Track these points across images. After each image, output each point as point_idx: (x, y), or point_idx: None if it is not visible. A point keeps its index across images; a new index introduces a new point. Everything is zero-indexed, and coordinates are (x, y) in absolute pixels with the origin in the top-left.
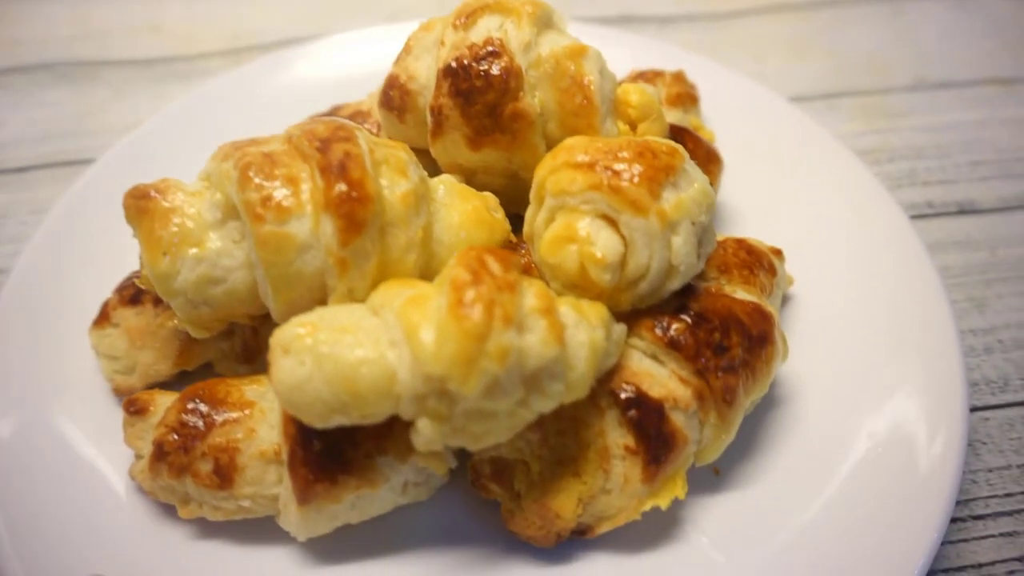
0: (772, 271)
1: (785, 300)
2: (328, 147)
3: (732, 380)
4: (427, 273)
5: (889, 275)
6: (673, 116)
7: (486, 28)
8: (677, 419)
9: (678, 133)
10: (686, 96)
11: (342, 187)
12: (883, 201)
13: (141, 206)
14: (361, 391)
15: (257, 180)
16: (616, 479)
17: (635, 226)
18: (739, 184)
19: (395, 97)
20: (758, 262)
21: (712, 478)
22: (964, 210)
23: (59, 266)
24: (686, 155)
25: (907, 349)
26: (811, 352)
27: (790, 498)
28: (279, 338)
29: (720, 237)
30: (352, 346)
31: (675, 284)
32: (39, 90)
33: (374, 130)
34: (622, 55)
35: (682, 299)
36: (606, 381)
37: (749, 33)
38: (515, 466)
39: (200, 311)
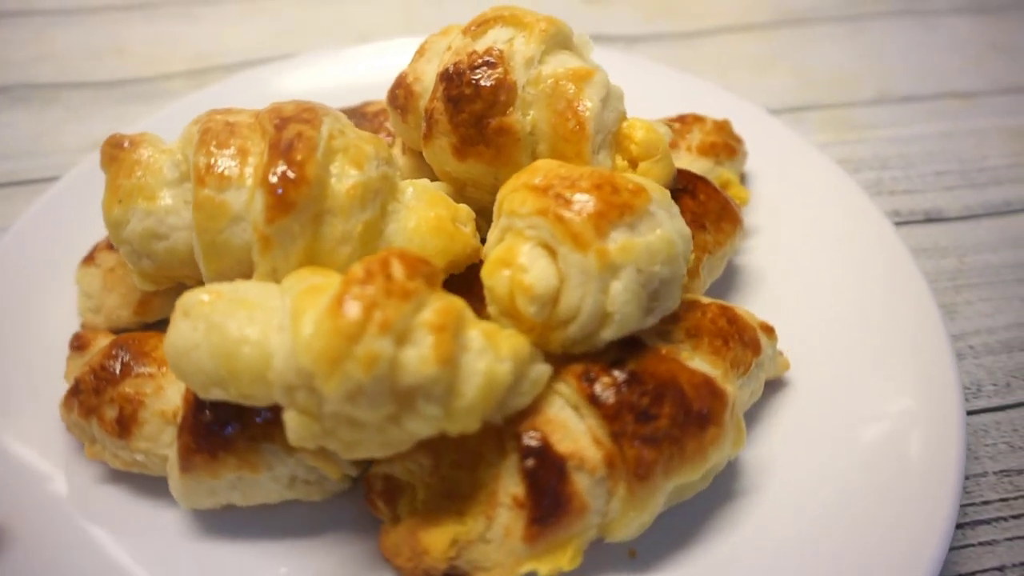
0: (754, 349)
1: (778, 386)
2: (285, 125)
3: (650, 454)
4: None
5: (878, 280)
6: (700, 166)
7: (493, 38)
8: (579, 481)
9: (692, 181)
10: (722, 147)
11: (282, 166)
12: (867, 209)
13: (113, 154)
14: (237, 369)
15: (211, 146)
16: (498, 529)
17: (572, 261)
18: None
19: (400, 96)
20: (738, 335)
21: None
22: (931, 218)
23: (16, 283)
24: (657, 198)
25: (899, 354)
26: (804, 359)
27: (791, 502)
28: (184, 300)
29: (706, 300)
30: (243, 322)
31: (608, 334)
32: None
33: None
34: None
35: (623, 353)
36: (516, 422)
37: (715, 51)
38: (404, 489)
39: (143, 263)
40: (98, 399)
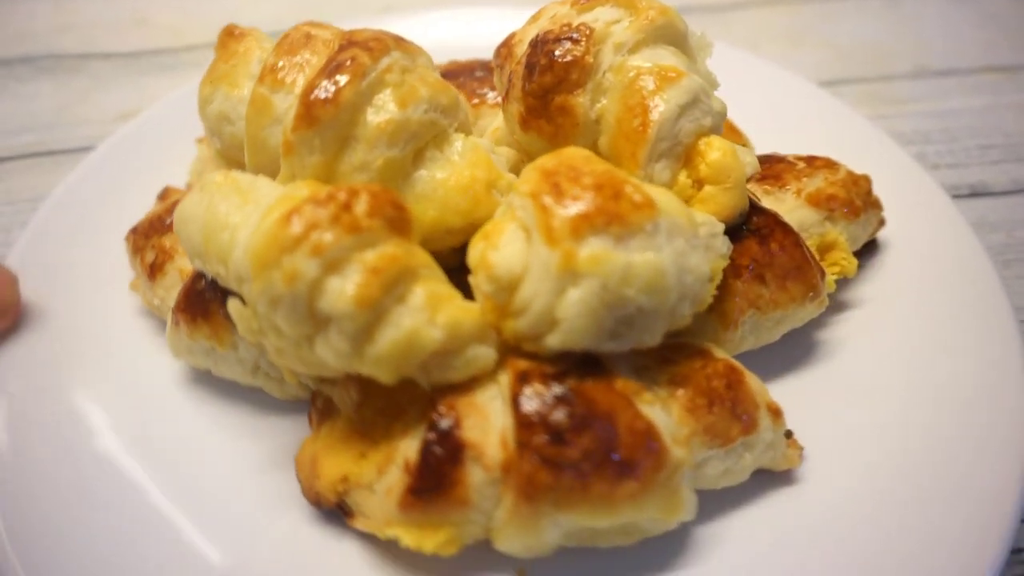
0: (746, 426)
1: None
2: (346, 48)
3: (544, 477)
4: None
5: (927, 242)
6: (802, 216)
7: (596, 15)
8: (472, 473)
9: (771, 227)
10: (842, 202)
11: (323, 83)
12: (921, 179)
13: (223, 40)
14: (211, 249)
15: (283, 51)
16: (383, 484)
17: (539, 253)
18: None
19: (501, 54)
20: (731, 403)
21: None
22: (977, 192)
23: (57, 252)
24: (671, 223)
25: (950, 307)
26: (858, 315)
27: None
28: (209, 176)
29: (720, 355)
30: (232, 209)
31: (554, 340)
32: (17, 83)
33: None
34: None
35: (573, 368)
36: (443, 393)
37: (747, 24)
38: (335, 414)
39: (215, 142)
40: (145, 242)
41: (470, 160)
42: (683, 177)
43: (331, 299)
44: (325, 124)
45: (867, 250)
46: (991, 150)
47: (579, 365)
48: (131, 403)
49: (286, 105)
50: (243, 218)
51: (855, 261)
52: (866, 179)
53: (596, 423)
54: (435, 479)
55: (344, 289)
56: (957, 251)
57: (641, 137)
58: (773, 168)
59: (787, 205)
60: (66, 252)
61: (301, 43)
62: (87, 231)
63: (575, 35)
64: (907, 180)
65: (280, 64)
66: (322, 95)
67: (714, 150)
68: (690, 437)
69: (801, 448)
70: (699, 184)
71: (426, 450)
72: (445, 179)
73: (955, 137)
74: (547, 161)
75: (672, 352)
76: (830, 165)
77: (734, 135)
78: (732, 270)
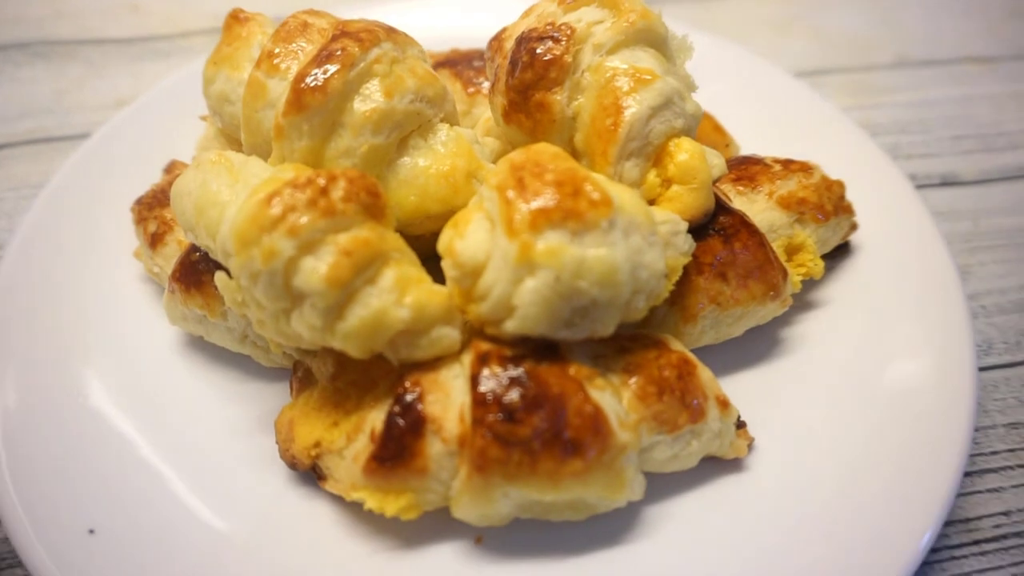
0: (694, 414)
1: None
2: (338, 39)
3: (495, 451)
4: None
5: (894, 239)
6: (771, 218)
7: (580, 15)
8: (431, 445)
9: (736, 227)
10: (812, 206)
11: (313, 71)
12: (888, 171)
13: (228, 23)
14: (202, 223)
15: (280, 38)
16: (352, 450)
17: (499, 244)
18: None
19: (492, 46)
20: (680, 393)
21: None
22: (947, 182)
23: (58, 239)
24: (628, 220)
25: (918, 312)
26: (822, 314)
27: (810, 446)
28: (204, 154)
29: (676, 347)
30: (223, 186)
31: (511, 326)
32: (14, 68)
33: None
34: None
35: (530, 352)
36: (410, 370)
37: (735, 13)
38: (313, 383)
39: (216, 120)
40: (148, 213)
41: (452, 150)
42: (652, 176)
43: (305, 277)
44: (314, 110)
45: (838, 253)
46: (964, 140)
47: (537, 350)
48: (129, 364)
49: (280, 90)
50: (232, 196)
51: (821, 264)
52: (839, 184)
53: (547, 404)
54: (397, 448)
55: (317, 268)
56: (920, 248)
57: (612, 136)
58: (749, 170)
59: (758, 206)
60: (77, 220)
61: (298, 31)
62: (98, 202)
63: (557, 34)
64: (875, 171)
65: (276, 51)
66: (312, 83)
67: (683, 151)
68: (638, 423)
69: (751, 439)
70: (667, 183)
71: (390, 421)
72: (427, 167)
73: (930, 128)
74: (516, 156)
75: (630, 342)
76: (805, 169)
77: (717, 134)
78: (695, 267)
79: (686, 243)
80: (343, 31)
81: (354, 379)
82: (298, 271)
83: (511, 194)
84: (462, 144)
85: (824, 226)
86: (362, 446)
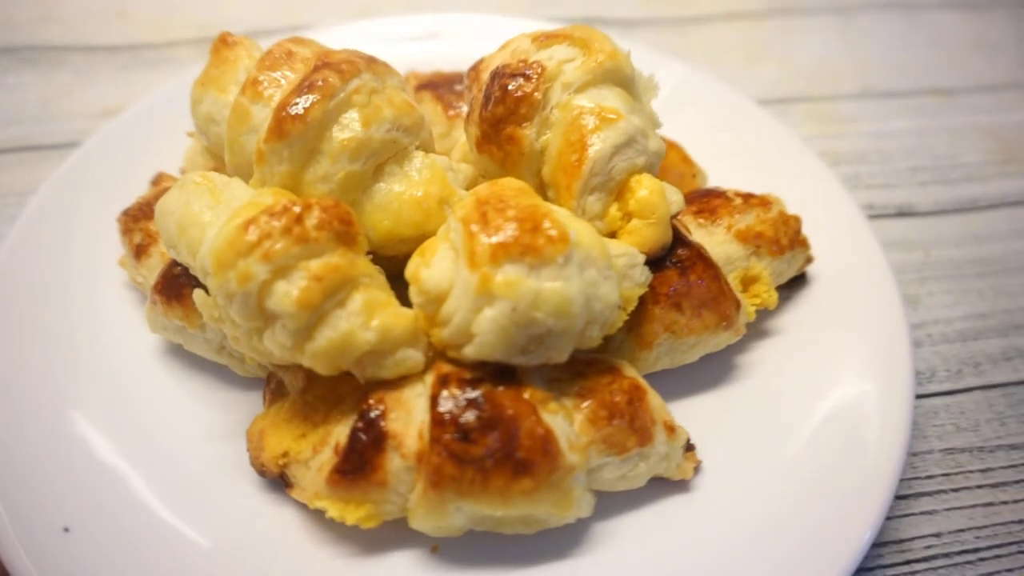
0: (642, 438)
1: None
2: (320, 68)
3: (449, 469)
4: None
5: (846, 270)
6: (728, 251)
7: (551, 53)
8: (391, 460)
9: (693, 260)
10: (768, 240)
11: (295, 101)
12: (844, 202)
13: (217, 47)
14: (183, 241)
15: (265, 66)
16: (317, 462)
17: (461, 274)
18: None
19: (470, 75)
20: (630, 417)
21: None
22: (903, 212)
23: (45, 245)
24: (585, 255)
25: (861, 339)
26: (774, 343)
27: (746, 469)
28: (188, 175)
29: (630, 373)
30: (205, 209)
31: (470, 352)
32: (2, 74)
33: None
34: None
35: (488, 376)
36: (375, 387)
37: (707, 38)
38: (285, 395)
39: (202, 139)
40: (134, 224)
41: (426, 177)
42: (614, 210)
43: (278, 300)
44: (293, 138)
45: (794, 284)
46: (920, 172)
47: (495, 373)
48: (110, 368)
49: (263, 116)
50: (213, 218)
51: (775, 295)
52: (796, 219)
53: (501, 426)
54: (359, 462)
55: (289, 292)
56: (869, 279)
57: (577, 171)
58: (711, 203)
59: (717, 239)
60: (65, 227)
61: (282, 60)
62: (85, 211)
63: (528, 71)
64: (831, 202)
65: (261, 78)
66: (293, 112)
67: (643, 188)
68: (588, 445)
69: (698, 462)
70: (628, 217)
71: (354, 436)
72: (401, 192)
73: (888, 158)
74: (482, 190)
75: (585, 367)
76: (764, 204)
77: (685, 164)
78: (652, 297)
79: (642, 275)
80: (325, 62)
81: (323, 394)
82: (271, 294)
83: (475, 227)
84: (436, 172)
85: (779, 259)
86: (327, 458)
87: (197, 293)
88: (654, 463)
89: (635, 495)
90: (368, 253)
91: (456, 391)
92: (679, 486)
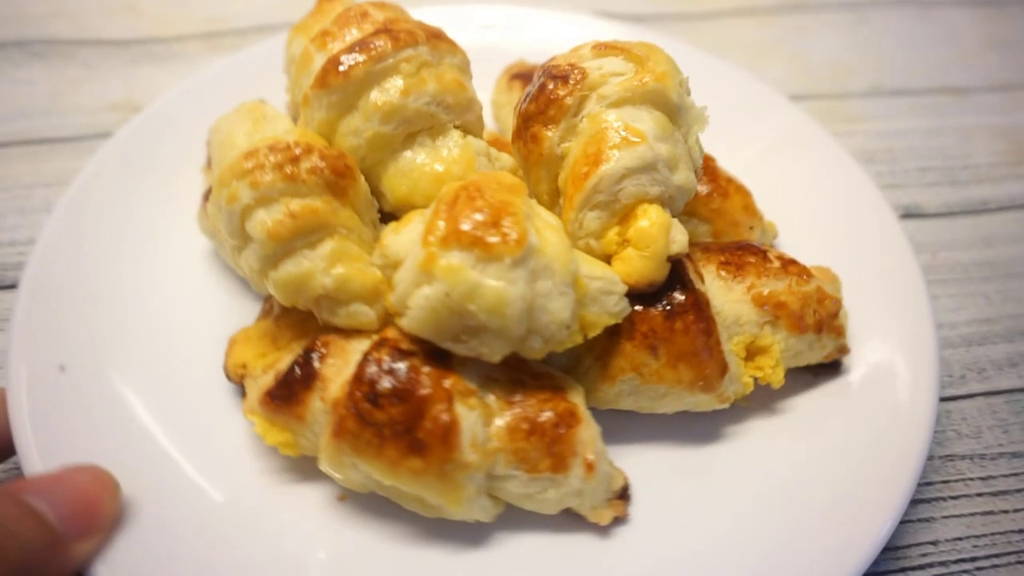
0: (556, 465)
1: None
2: (378, 34)
3: (352, 425)
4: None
5: (867, 245)
6: (744, 311)
7: (601, 63)
8: (313, 400)
9: (685, 308)
10: (791, 315)
11: (345, 57)
12: (857, 180)
13: (320, 3)
14: (217, 158)
15: (339, 21)
16: (262, 382)
17: (414, 248)
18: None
19: (538, 70)
20: (550, 441)
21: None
22: (910, 214)
23: (87, 233)
24: (534, 257)
25: (883, 302)
26: (773, 436)
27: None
28: (248, 101)
29: (572, 401)
30: (242, 134)
31: (404, 323)
32: (12, 68)
33: None
34: None
35: (425, 351)
36: (328, 332)
37: (717, 35)
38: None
39: (286, 78)
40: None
41: (453, 156)
42: (613, 233)
43: (253, 225)
44: (334, 89)
45: (822, 371)
46: (929, 172)
47: (430, 353)
48: (159, 356)
49: (319, 64)
50: (245, 143)
51: (781, 373)
52: (835, 303)
53: (410, 401)
54: (288, 393)
55: (264, 221)
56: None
57: (582, 184)
58: (743, 257)
59: (732, 295)
60: (105, 214)
61: (355, 19)
62: (125, 198)
63: (569, 75)
64: (863, 202)
65: (330, 30)
66: (339, 66)
67: (646, 218)
68: (496, 451)
69: (624, 513)
70: (624, 244)
71: (291, 368)
72: (423, 164)
73: (897, 158)
74: (474, 176)
75: (530, 378)
76: (803, 274)
77: (746, 214)
78: (627, 331)
79: (617, 305)
80: (387, 28)
81: (292, 323)
82: (250, 218)
83: (443, 208)
84: (465, 153)
85: (799, 338)
86: (268, 380)
87: (210, 202)
88: (565, 495)
89: (547, 523)
90: (383, 213)
91: (385, 357)
92: (596, 530)
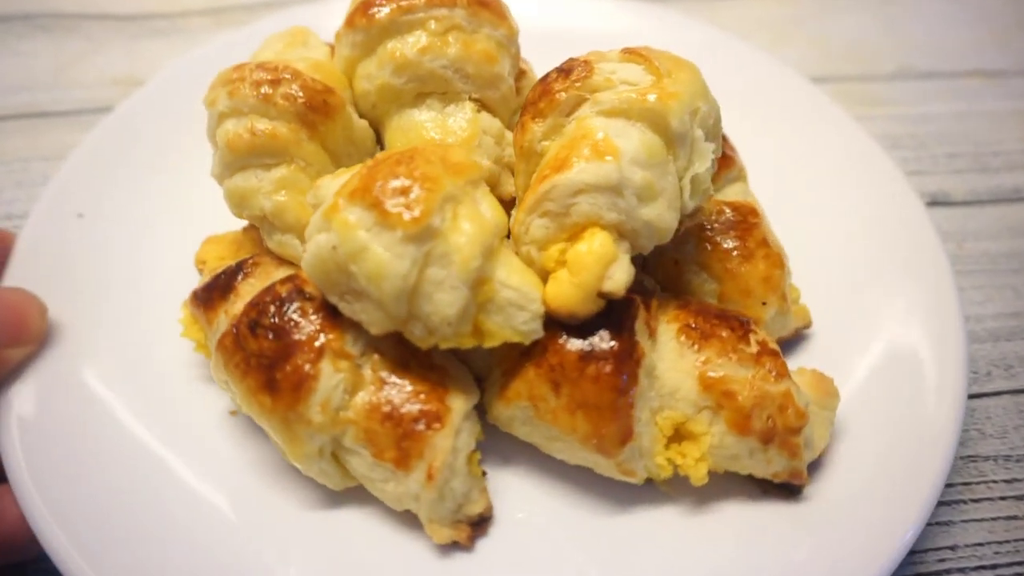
0: (398, 461)
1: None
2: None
3: (229, 343)
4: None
5: (891, 234)
6: (685, 387)
7: (617, 68)
8: (223, 310)
9: (607, 356)
10: (737, 411)
11: (379, 2)
12: (881, 161)
13: None
14: None
15: None
16: (203, 280)
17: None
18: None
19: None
20: (400, 433)
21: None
22: (936, 201)
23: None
24: (434, 242)
25: (908, 293)
26: (813, 292)
27: None
28: (298, 26)
29: (453, 402)
30: (272, 52)
31: (302, 262)
32: (15, 40)
33: None
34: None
35: (322, 304)
36: (269, 256)
37: (735, 16)
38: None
39: None
40: None
41: (455, 127)
42: (557, 248)
43: (221, 132)
44: (357, 30)
45: (776, 491)
46: (958, 158)
47: (325, 305)
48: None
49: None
50: (267, 57)
51: (704, 470)
52: (800, 418)
53: (283, 342)
54: (207, 297)
55: (228, 130)
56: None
57: (535, 187)
58: (714, 328)
59: (682, 365)
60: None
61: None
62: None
63: (574, 70)
64: (862, 159)
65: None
66: (368, 9)
67: (588, 243)
68: (348, 422)
69: (466, 541)
70: (562, 263)
71: (217, 276)
72: (422, 126)
73: (923, 143)
74: (421, 145)
75: (421, 365)
76: (777, 372)
77: (768, 264)
78: (537, 357)
79: (527, 324)
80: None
81: (256, 239)
82: (220, 124)
83: (369, 165)
84: (470, 128)
85: (739, 440)
86: (206, 281)
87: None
88: (403, 494)
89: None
90: None
91: (284, 292)
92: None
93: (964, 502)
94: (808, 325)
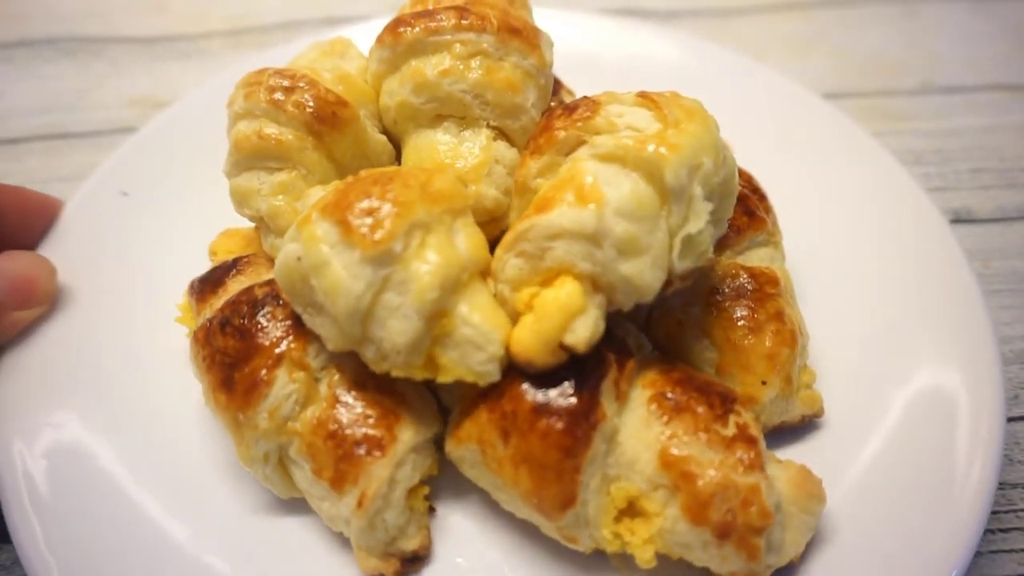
0: (336, 481)
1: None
2: (449, 10)
3: (200, 336)
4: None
5: (914, 254)
6: (644, 461)
7: (625, 111)
8: (212, 302)
9: (562, 414)
10: (693, 499)
11: (409, 20)
12: (906, 189)
13: None
14: None
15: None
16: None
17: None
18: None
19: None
20: (337, 456)
21: None
22: (960, 219)
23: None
24: (393, 267)
25: (937, 322)
26: (840, 327)
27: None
28: (342, 38)
29: (402, 432)
30: (307, 61)
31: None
32: (41, 64)
33: None
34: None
35: (292, 313)
36: (264, 256)
37: (753, 30)
38: None
39: None
40: None
41: (467, 152)
42: (528, 292)
43: (233, 133)
44: (385, 46)
45: None
46: (983, 174)
47: (295, 314)
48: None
49: None
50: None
51: (650, 553)
52: (764, 517)
53: (245, 344)
54: (203, 288)
55: (239, 131)
56: (934, 253)
57: (516, 225)
58: (691, 402)
59: (646, 435)
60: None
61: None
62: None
63: (576, 109)
64: (885, 183)
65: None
66: (398, 27)
67: (556, 291)
68: (294, 433)
69: (395, 574)
70: (530, 309)
71: (215, 268)
72: (434, 148)
73: (948, 159)
74: (406, 169)
75: (378, 389)
76: (751, 464)
77: (777, 341)
78: (493, 400)
79: (482, 365)
80: (464, 7)
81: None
82: (234, 124)
83: (356, 183)
84: (483, 155)
85: (692, 530)
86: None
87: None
88: (335, 516)
89: None
90: None
91: (260, 295)
92: None
93: (992, 532)
94: (818, 414)
